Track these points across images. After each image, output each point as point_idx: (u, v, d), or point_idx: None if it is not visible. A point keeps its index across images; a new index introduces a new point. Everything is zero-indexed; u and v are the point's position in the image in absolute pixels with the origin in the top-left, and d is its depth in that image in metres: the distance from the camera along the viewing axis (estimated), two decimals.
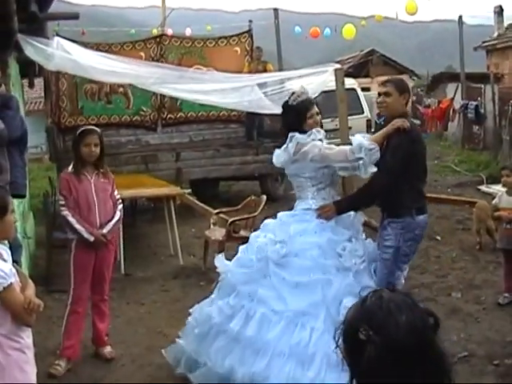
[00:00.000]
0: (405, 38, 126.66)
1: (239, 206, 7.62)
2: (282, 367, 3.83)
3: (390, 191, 4.18)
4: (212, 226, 7.35)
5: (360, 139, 4.16)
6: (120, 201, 5.06)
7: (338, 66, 8.27)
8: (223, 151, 11.24)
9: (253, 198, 7.57)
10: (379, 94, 4.41)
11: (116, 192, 5.04)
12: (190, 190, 11.95)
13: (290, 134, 4.28)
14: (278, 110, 4.86)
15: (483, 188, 11.62)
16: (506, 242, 5.79)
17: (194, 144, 11.76)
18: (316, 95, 7.29)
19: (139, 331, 5.60)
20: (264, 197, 7.30)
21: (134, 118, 11.67)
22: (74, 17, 7.98)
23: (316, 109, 4.36)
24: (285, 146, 4.33)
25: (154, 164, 10.77)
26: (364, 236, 4.47)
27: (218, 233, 7.10)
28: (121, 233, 7.29)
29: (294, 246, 4.16)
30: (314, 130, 4.28)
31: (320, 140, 4.30)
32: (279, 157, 4.40)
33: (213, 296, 4.49)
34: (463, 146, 16.61)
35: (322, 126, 4.44)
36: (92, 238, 4.73)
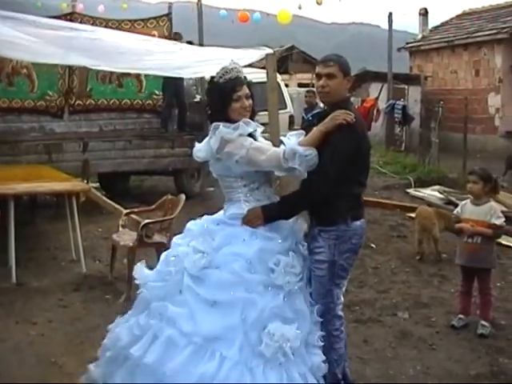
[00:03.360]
0: (322, 39, 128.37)
1: (153, 206, 6.60)
2: None
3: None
4: (121, 229, 6.29)
5: (293, 144, 3.40)
6: None
7: (269, 50, 7.45)
8: (135, 143, 10.33)
9: (169, 197, 6.55)
10: (319, 76, 3.54)
11: None
12: (97, 184, 11.01)
13: (214, 125, 3.44)
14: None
15: (412, 191, 11.17)
16: (467, 258, 5.08)
17: (104, 134, 10.75)
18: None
19: (28, 361, 4.49)
20: (183, 196, 6.31)
21: (38, 103, 10.61)
22: None
23: (247, 90, 3.52)
24: (207, 138, 3.50)
25: (58, 154, 9.79)
26: (305, 248, 3.63)
27: (127, 237, 6.06)
28: (12, 233, 6.23)
29: (217, 258, 3.36)
30: (241, 123, 3.43)
31: (250, 135, 3.47)
32: (200, 151, 3.56)
33: (130, 312, 3.62)
34: (387, 147, 16.25)
35: (254, 113, 3.60)
36: None
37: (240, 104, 3.47)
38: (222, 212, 3.62)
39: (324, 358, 3.40)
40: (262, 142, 3.63)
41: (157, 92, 10.99)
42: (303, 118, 11.10)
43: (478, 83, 17.06)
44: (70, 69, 10.22)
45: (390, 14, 15.57)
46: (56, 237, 7.86)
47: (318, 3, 13.75)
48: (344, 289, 3.69)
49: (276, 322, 3.23)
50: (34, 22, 7.98)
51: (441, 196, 10.30)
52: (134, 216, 6.51)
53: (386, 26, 16.48)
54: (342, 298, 3.69)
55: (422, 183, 11.57)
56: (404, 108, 15.64)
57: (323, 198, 3.45)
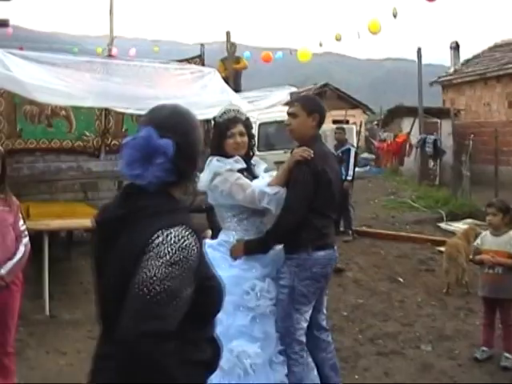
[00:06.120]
0: (358, 76, 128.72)
1: None
2: None
3: None
4: None
5: (262, 186, 3.78)
6: (26, 233, 4.15)
7: (293, 88, 7.74)
8: None
9: None
10: (287, 115, 4.03)
11: (21, 222, 4.13)
12: None
13: (209, 158, 3.87)
14: None
15: (443, 225, 11.11)
16: (488, 289, 5.09)
17: None
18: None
19: None
20: (209, 232, 6.46)
21: (75, 144, 10.88)
22: (3, 24, 7.15)
23: (241, 128, 3.91)
24: (204, 171, 3.90)
25: (93, 192, 10.05)
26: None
27: None
28: (46, 267, 6.46)
29: None
30: (232, 160, 3.82)
31: (241, 171, 3.85)
32: (201, 182, 3.89)
33: None
34: (420, 181, 16.18)
35: (251, 150, 4.03)
36: None
37: (233, 140, 3.85)
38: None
39: (286, 371, 3.67)
40: (264, 179, 3.95)
41: None
42: (333, 154, 11.20)
43: (511, 115, 16.94)
44: (107, 110, 10.55)
45: (419, 50, 15.69)
46: (89, 272, 8.02)
47: (336, 39, 13.95)
48: (307, 316, 3.86)
49: (241, 339, 3.53)
50: (71, 63, 8.44)
51: None
52: None
53: (421, 60, 16.59)
54: (304, 325, 3.84)
55: (454, 217, 11.50)
56: (435, 142, 15.60)
57: (291, 229, 3.74)
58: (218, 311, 2.14)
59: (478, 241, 5.26)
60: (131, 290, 1.80)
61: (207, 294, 1.98)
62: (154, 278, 1.78)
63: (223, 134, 3.87)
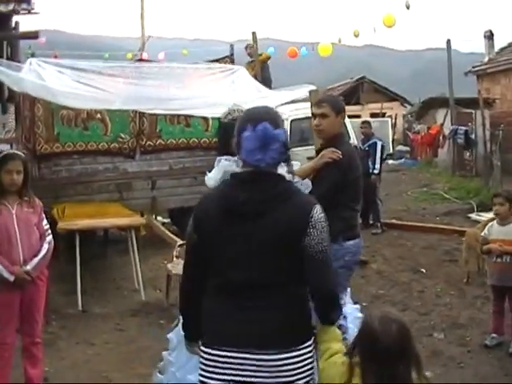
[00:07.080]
0: (398, 67, 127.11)
1: None
2: None
3: None
4: (175, 259, 6.78)
5: (283, 172, 4.01)
6: (49, 232, 4.49)
7: (312, 87, 7.92)
8: (201, 179, 10.72)
9: None
10: (314, 116, 4.19)
11: (45, 222, 4.47)
12: (168, 220, 11.55)
13: (218, 158, 4.00)
14: None
15: (473, 216, 11.11)
16: (497, 277, 5.23)
17: (173, 172, 11.27)
18: None
19: (81, 376, 5.02)
20: None
21: (111, 145, 11.17)
22: (33, 36, 7.53)
23: None
24: (213, 169, 4.04)
25: (128, 192, 10.37)
26: None
27: (181, 266, 6.51)
28: (78, 265, 6.81)
29: None
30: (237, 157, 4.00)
31: None
32: (210, 180, 4.06)
33: None
34: (453, 172, 16.10)
35: None
36: (12, 278, 4.16)
37: None
38: None
39: None
40: None
41: None
42: (360, 148, 11.32)
43: None
44: (141, 112, 10.86)
45: (449, 41, 15.55)
46: (122, 268, 8.42)
47: (355, 35, 13.94)
48: (342, 302, 3.99)
49: None
50: (103, 69, 8.82)
51: None
52: None
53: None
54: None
55: (485, 207, 11.43)
56: (466, 133, 15.48)
57: None
58: None
59: (486, 231, 5.37)
60: (314, 258, 2.44)
61: None
62: (327, 248, 2.47)
63: (229, 133, 3.97)
